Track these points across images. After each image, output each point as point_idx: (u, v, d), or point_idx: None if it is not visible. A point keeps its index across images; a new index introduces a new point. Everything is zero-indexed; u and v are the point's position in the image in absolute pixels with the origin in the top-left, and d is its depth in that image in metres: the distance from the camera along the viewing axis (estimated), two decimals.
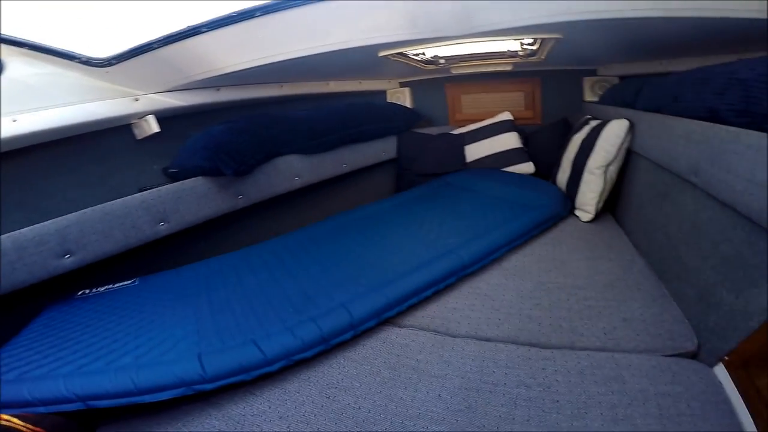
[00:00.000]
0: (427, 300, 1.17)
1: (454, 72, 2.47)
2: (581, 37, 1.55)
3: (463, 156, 2.33)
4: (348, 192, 2.28)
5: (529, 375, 0.89)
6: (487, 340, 1.02)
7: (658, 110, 1.34)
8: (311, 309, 1.06)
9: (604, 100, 2.10)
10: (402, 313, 1.12)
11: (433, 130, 2.59)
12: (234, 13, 1.28)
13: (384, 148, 2.37)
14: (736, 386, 0.79)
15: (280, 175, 1.75)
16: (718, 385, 0.81)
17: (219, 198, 1.55)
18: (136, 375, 0.85)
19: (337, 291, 1.15)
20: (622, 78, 2.24)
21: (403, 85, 2.71)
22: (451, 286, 1.22)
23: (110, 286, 1.35)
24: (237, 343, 0.95)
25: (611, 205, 1.70)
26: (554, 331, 1.02)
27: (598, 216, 1.62)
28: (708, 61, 1.18)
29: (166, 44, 1.31)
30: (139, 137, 1.59)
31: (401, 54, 1.83)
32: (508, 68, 2.34)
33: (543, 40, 1.70)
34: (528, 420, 0.78)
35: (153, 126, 1.54)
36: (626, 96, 1.67)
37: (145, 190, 1.42)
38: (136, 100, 1.49)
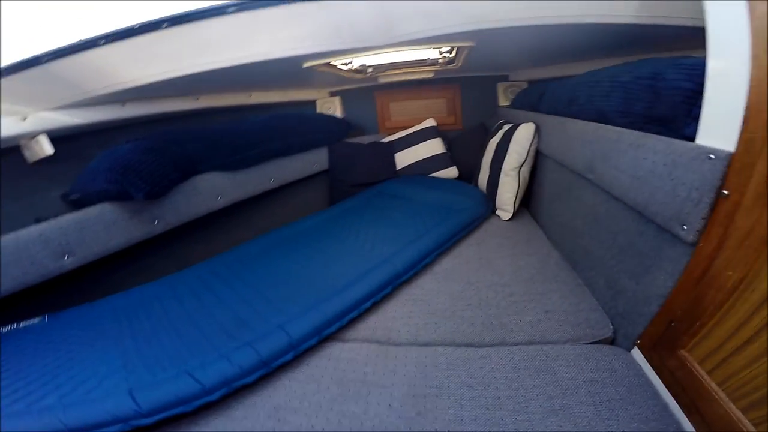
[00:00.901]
0: (366, 312, 1.16)
1: (382, 80, 2.53)
2: (492, 45, 1.65)
3: (393, 164, 2.39)
4: (279, 207, 2.18)
5: (469, 375, 0.91)
6: (427, 344, 1.04)
7: (558, 113, 1.47)
8: (246, 334, 1.01)
9: (514, 104, 2.27)
10: (343, 328, 1.10)
11: (364, 139, 2.61)
12: (136, 25, 1.18)
13: (315, 160, 2.31)
14: (652, 368, 0.87)
15: (201, 195, 1.61)
16: (638, 368, 0.88)
17: (131, 225, 1.40)
18: (63, 415, 0.78)
19: (272, 313, 1.10)
20: (530, 82, 2.45)
21: (333, 94, 2.69)
22: (388, 295, 1.22)
23: (14, 325, 1.18)
24: (170, 375, 0.89)
25: (527, 202, 1.83)
26: (486, 330, 1.06)
27: (516, 214, 1.74)
28: (601, 64, 1.31)
29: (57, 58, 1.17)
30: (30, 160, 1.39)
31: (328, 64, 1.82)
32: (430, 76, 2.45)
33: (458, 48, 1.80)
34: (475, 419, 0.80)
35: (45, 147, 1.35)
36: (532, 100, 1.82)
37: (43, 220, 1.24)
38: (24, 119, 1.31)
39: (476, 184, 2.02)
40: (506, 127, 1.82)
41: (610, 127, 1.06)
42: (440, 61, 2.14)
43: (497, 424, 0.79)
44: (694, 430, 0.74)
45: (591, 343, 0.99)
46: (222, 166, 1.69)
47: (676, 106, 0.82)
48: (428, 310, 1.16)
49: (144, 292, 1.33)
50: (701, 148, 0.71)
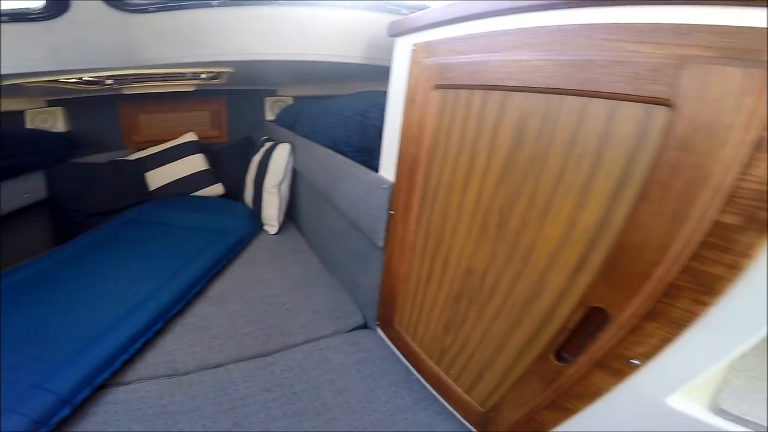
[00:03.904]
0: (141, 351, 1.16)
1: (127, 92, 2.27)
2: (252, 70, 1.81)
3: (144, 185, 2.20)
4: None
5: (265, 381, 1.08)
6: (218, 365, 1.14)
7: (307, 136, 1.78)
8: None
9: (277, 120, 2.49)
10: (120, 372, 1.09)
11: (101, 158, 2.28)
12: None
13: (25, 189, 1.87)
14: (390, 341, 1.23)
15: None
16: (384, 343, 1.24)
17: None
18: None
19: (21, 374, 0.99)
20: (296, 98, 2.73)
21: (52, 104, 2.18)
22: (162, 330, 1.25)
23: None
24: None
25: (292, 215, 2.12)
26: (269, 339, 1.25)
27: (282, 227, 2.00)
28: (353, 87, 1.56)
29: None
30: None
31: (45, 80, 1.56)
32: (191, 89, 2.37)
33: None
34: (285, 415, 0.98)
35: None
36: (290, 120, 2.09)
37: None
38: None
39: (243, 201, 2.17)
40: (268, 144, 2.04)
41: (337, 155, 1.42)
42: (203, 76, 2.12)
43: (302, 412, 0.99)
44: (423, 380, 1.08)
45: (350, 331, 1.32)
46: None
47: (374, 140, 1.19)
48: (209, 335, 1.25)
49: None
50: (381, 179, 1.10)
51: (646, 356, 0.54)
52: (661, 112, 0.46)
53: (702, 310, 0.47)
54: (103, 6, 1.11)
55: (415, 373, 1.11)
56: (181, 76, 2.13)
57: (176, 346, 1.21)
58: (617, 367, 0.58)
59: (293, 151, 1.91)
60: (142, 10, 1.15)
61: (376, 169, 1.18)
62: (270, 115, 2.74)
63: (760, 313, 0.44)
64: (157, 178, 2.24)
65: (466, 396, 0.92)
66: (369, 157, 1.26)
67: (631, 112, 0.49)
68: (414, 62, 0.92)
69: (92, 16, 1.15)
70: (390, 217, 1.07)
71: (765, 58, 0.39)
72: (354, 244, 1.35)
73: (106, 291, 1.38)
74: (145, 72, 1.89)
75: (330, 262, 1.64)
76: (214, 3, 1.19)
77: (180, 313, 1.34)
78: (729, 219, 0.43)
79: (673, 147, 0.45)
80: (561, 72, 0.55)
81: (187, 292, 1.40)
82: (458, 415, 0.96)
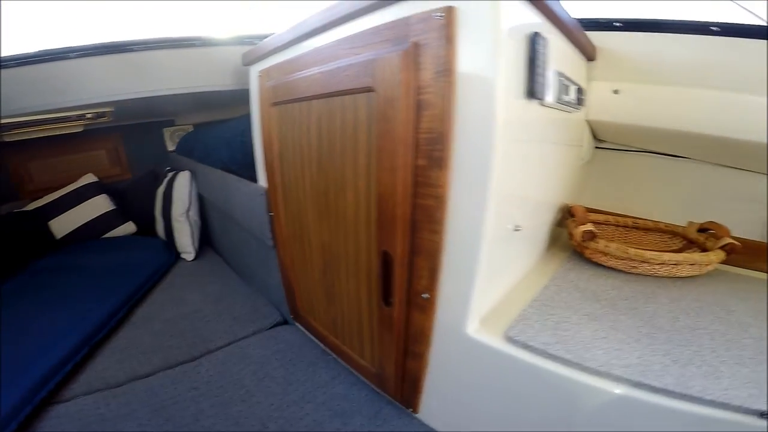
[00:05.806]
0: (73, 373, 1.27)
1: (8, 140, 2.28)
2: (137, 104, 1.95)
3: (49, 234, 2.25)
4: None
5: (192, 381, 1.22)
6: (147, 375, 1.27)
7: (203, 161, 1.96)
8: None
9: (178, 149, 2.63)
10: (57, 392, 1.19)
11: None
12: None
13: None
14: (305, 329, 1.40)
15: None
16: (302, 333, 1.42)
17: None
18: None
19: None
20: (196, 125, 2.85)
21: None
22: (90, 354, 1.36)
23: None
24: None
25: (209, 239, 2.27)
26: (192, 348, 1.40)
27: (200, 252, 2.15)
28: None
29: None
30: None
31: None
32: (79, 130, 2.41)
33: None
34: (212, 405, 1.12)
35: None
36: (189, 147, 2.24)
37: None
38: None
39: (156, 234, 2.28)
40: (170, 175, 2.17)
41: (228, 174, 1.62)
42: (88, 116, 2.18)
43: (228, 402, 1.14)
44: (335, 356, 1.25)
45: (270, 328, 1.50)
46: None
47: (254, 156, 1.39)
48: (137, 352, 1.39)
49: None
50: (259, 188, 1.32)
51: (429, 289, 0.75)
52: (373, 96, 0.70)
53: (439, 238, 0.71)
54: None
55: (330, 352, 1.29)
56: (65, 119, 2.15)
57: (106, 365, 1.34)
58: (419, 303, 0.79)
59: (194, 177, 2.06)
60: (2, 66, 1.25)
61: (256, 180, 1.38)
62: (171, 146, 2.84)
63: (469, 233, 0.66)
64: (62, 225, 2.28)
65: (362, 360, 1.10)
66: (253, 171, 1.46)
67: (363, 101, 0.74)
68: (261, 86, 1.14)
69: None
70: (271, 218, 1.28)
71: (410, 41, 0.63)
72: (256, 250, 1.54)
73: (28, 328, 1.46)
74: (22, 119, 1.95)
75: (245, 274, 1.82)
76: (72, 55, 1.33)
77: (106, 338, 1.46)
78: (421, 162, 0.68)
79: (380, 119, 0.69)
80: (327, 80, 0.80)
81: (109, 320, 1.51)
82: (368, 382, 1.14)
